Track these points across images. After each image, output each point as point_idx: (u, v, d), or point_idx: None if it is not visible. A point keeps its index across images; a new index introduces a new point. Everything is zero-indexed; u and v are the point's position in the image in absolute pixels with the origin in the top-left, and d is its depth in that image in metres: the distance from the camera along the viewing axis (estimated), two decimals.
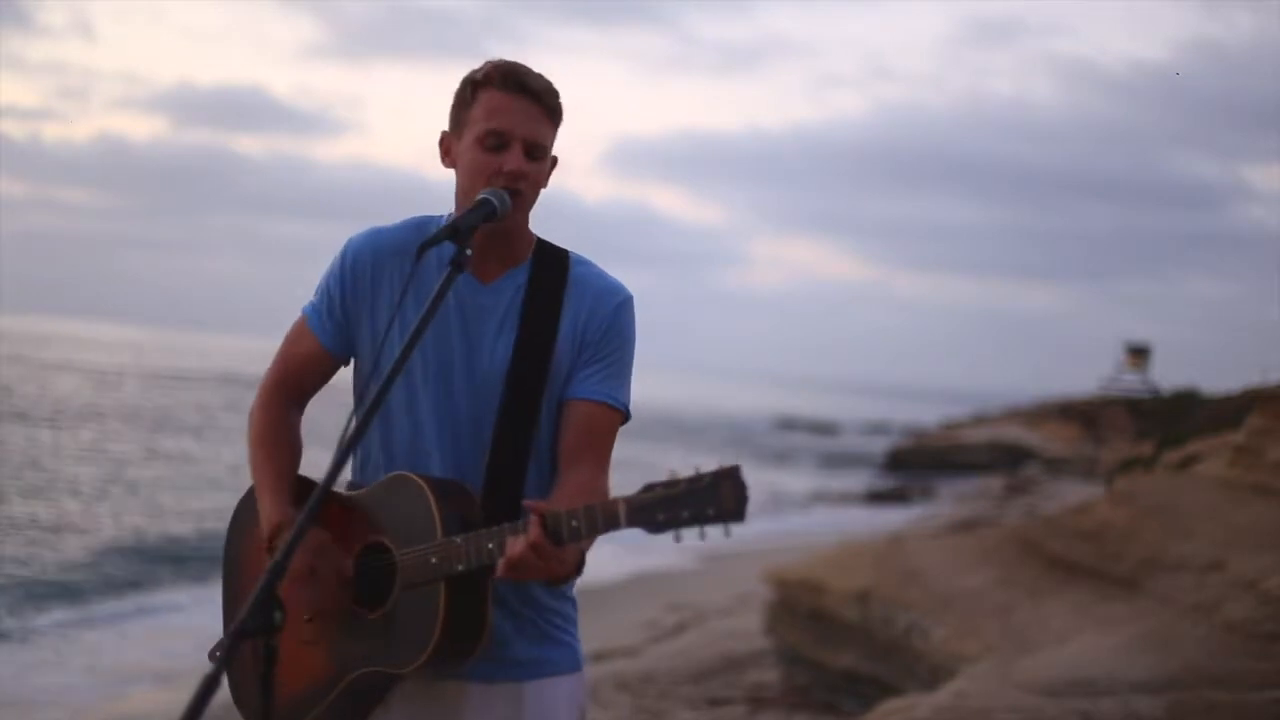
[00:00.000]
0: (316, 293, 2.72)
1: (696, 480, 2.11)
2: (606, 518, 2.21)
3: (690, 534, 2.12)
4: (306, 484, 2.69)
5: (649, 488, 2.16)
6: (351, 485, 2.69)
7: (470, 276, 2.62)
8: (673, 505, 2.12)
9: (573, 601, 2.72)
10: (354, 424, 2.29)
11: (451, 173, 2.64)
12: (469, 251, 2.43)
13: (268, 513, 2.63)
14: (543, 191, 2.66)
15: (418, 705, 2.60)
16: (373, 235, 2.69)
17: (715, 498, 2.09)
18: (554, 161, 2.66)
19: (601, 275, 2.69)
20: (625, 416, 2.65)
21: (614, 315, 2.65)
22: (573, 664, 2.69)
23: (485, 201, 2.50)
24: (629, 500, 2.18)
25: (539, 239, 2.69)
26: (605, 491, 2.53)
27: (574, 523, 2.26)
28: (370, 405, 2.31)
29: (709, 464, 2.15)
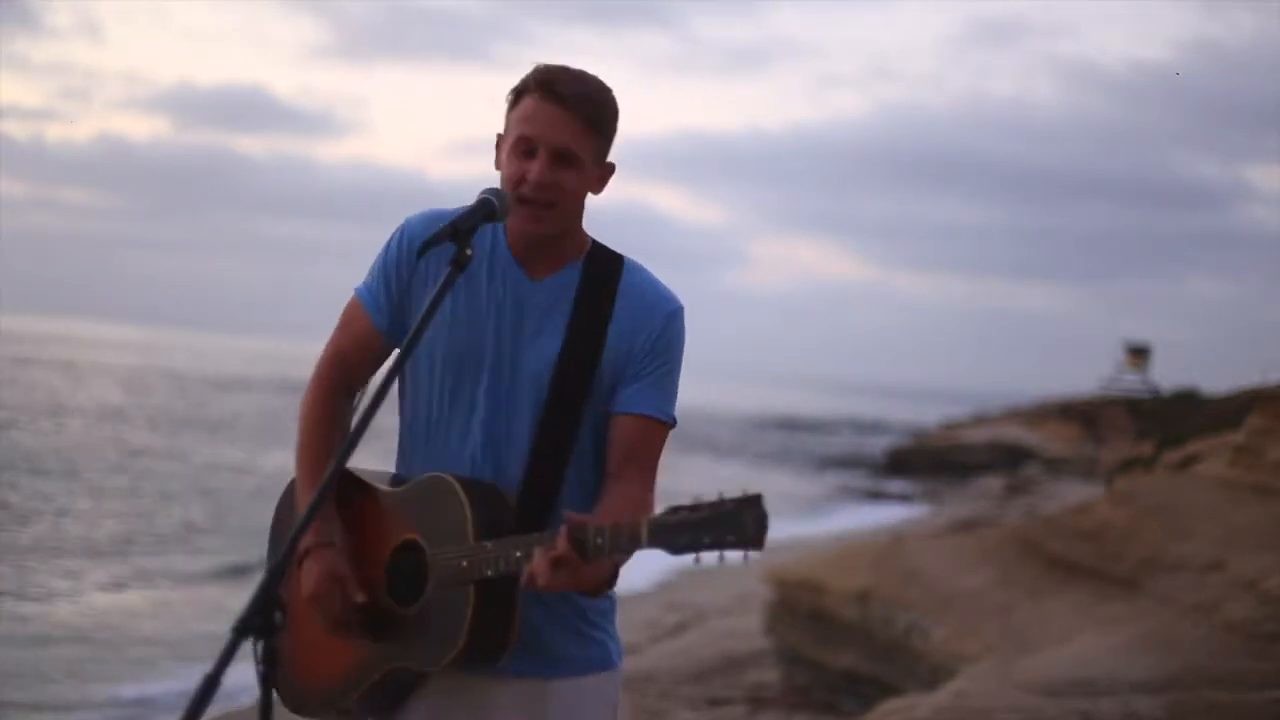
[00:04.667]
0: (370, 273, 2.70)
1: (719, 505, 2.14)
2: (630, 537, 2.23)
3: (709, 556, 2.15)
4: (351, 478, 2.67)
5: (673, 510, 2.18)
6: (395, 480, 2.68)
7: (521, 272, 2.62)
8: (695, 529, 2.14)
9: (609, 597, 2.69)
10: (360, 417, 2.28)
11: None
12: (470, 252, 2.42)
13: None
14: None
15: (446, 699, 2.61)
16: (431, 218, 2.65)
17: (737, 525, 2.12)
18: (610, 168, 2.64)
19: (654, 283, 2.68)
20: (672, 425, 2.64)
21: (664, 326, 2.63)
22: (604, 661, 2.69)
23: (485, 201, 2.48)
24: (652, 521, 2.20)
25: (595, 241, 2.69)
26: (650, 507, 2.51)
27: (599, 539, 2.27)
28: (374, 398, 2.31)
29: (731, 490, 2.18)
